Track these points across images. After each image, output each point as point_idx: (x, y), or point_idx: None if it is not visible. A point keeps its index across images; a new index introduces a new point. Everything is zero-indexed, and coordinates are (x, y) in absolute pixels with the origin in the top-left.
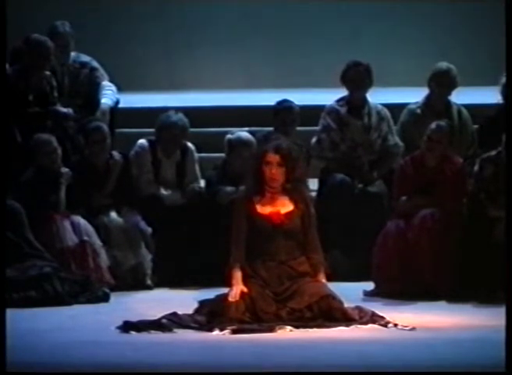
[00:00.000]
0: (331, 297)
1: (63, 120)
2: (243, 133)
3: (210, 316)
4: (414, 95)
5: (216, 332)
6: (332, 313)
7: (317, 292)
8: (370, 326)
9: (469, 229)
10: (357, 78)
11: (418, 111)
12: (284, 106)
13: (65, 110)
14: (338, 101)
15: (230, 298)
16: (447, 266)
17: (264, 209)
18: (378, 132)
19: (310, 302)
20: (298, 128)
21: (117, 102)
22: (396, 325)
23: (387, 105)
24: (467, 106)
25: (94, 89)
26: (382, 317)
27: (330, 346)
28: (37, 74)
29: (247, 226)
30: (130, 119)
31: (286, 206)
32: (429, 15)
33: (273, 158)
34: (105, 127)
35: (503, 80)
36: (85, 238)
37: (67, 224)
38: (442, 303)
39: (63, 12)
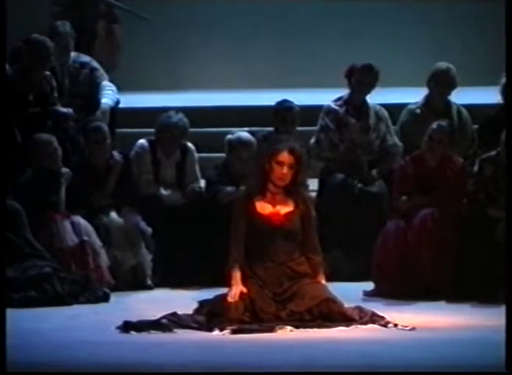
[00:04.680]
0: (331, 300)
1: (63, 120)
2: (243, 134)
3: (209, 316)
4: (414, 95)
5: (216, 332)
6: (332, 316)
7: (317, 295)
8: (370, 326)
9: (469, 229)
10: (369, 83)
11: (418, 111)
12: (284, 106)
13: (65, 110)
14: (336, 100)
15: (229, 299)
16: (447, 266)
17: (264, 209)
18: (376, 132)
19: (310, 305)
20: (298, 128)
21: (117, 102)
22: (396, 325)
23: (387, 105)
24: (467, 106)
25: (94, 89)
26: (382, 317)
27: (330, 346)
28: (37, 74)
29: (246, 226)
30: (130, 119)
31: (286, 207)
32: (429, 15)
33: (287, 158)
34: (105, 127)
35: (503, 80)
36: (85, 238)
37: (67, 224)
38: (442, 303)
39: None
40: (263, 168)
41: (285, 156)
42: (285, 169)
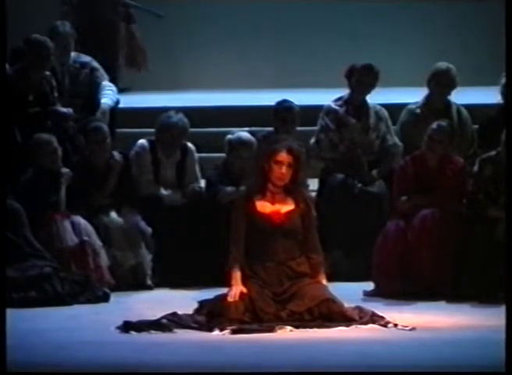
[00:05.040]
0: (331, 301)
1: (63, 120)
2: (243, 134)
3: (209, 316)
4: (414, 95)
5: (216, 332)
6: (332, 317)
7: (317, 296)
8: (370, 326)
9: (469, 229)
10: (369, 83)
11: (418, 111)
12: (284, 106)
13: (65, 110)
14: (336, 100)
15: (229, 299)
16: (447, 266)
17: (264, 208)
18: (376, 132)
19: (310, 306)
20: (298, 128)
21: (117, 102)
22: (396, 325)
23: (387, 105)
24: (467, 106)
25: (94, 89)
26: (382, 317)
27: (330, 346)
28: (37, 74)
29: (246, 225)
30: (130, 119)
31: (286, 205)
32: (429, 15)
33: (285, 158)
34: (105, 127)
35: (503, 80)
36: (85, 238)
37: (67, 224)
38: (442, 303)
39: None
40: (262, 168)
41: (283, 156)
42: (283, 169)
